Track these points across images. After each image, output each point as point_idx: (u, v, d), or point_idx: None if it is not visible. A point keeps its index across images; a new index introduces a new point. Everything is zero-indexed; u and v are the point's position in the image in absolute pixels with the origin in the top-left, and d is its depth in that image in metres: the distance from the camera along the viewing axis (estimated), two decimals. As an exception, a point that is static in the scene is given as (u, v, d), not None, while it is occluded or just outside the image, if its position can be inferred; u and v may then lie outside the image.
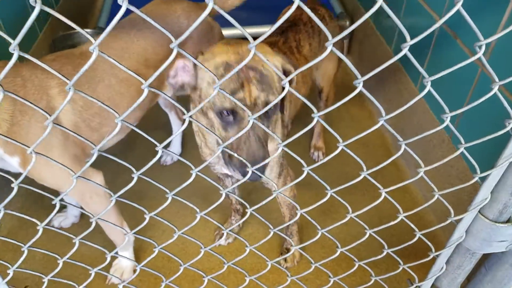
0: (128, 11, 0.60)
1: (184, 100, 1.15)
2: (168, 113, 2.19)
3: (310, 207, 1.01)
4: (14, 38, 0.53)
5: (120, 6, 0.50)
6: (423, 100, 1.89)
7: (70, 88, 0.68)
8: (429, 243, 1.08)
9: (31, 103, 0.67)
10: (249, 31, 2.95)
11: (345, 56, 2.89)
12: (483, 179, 0.89)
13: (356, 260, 1.18)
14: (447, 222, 0.98)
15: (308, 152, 2.30)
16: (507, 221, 0.95)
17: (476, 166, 0.86)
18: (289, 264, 1.73)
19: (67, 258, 1.00)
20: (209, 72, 0.81)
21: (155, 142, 0.78)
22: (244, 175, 1.04)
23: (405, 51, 0.62)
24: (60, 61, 1.36)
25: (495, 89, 0.71)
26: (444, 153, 1.72)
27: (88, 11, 3.24)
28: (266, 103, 1.01)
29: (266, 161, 0.94)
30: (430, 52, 1.80)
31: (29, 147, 0.73)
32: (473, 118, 1.53)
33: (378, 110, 2.45)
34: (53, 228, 0.94)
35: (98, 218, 0.94)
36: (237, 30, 2.84)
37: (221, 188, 0.91)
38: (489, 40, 0.62)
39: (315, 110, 0.73)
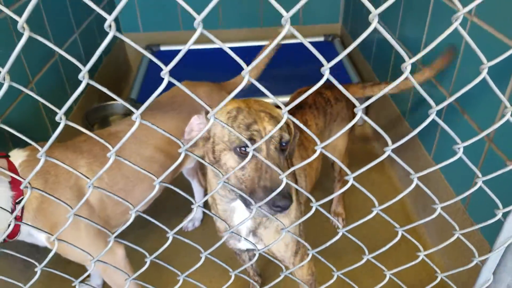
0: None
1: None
2: (191, 180, 2.28)
3: None
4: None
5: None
6: (438, 169, 1.93)
7: (90, 186, 0.78)
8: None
9: (55, 197, 0.77)
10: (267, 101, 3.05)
11: (363, 122, 2.99)
12: (484, 261, 0.91)
13: None
14: (453, 303, 1.00)
15: (328, 218, 2.32)
16: (514, 303, 0.96)
17: (474, 250, 0.88)
18: None
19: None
20: (223, 115, 0.97)
21: (167, 230, 0.86)
22: (273, 205, 0.97)
23: (388, 153, 0.69)
24: (91, 141, 1.48)
25: (479, 183, 0.76)
26: (460, 222, 1.72)
27: (122, 83, 3.48)
28: (281, 138, 1.05)
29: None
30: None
31: (53, 233, 0.81)
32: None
33: (397, 175, 2.49)
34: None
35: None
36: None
37: (230, 270, 0.96)
38: (466, 143, 0.68)
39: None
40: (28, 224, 0.86)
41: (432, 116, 0.67)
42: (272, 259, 1.00)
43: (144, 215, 0.86)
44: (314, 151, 1.71)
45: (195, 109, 1.68)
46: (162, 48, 3.58)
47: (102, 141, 0.72)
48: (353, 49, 0.54)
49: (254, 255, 1.39)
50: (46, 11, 2.25)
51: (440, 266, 1.96)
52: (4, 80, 0.56)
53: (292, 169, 0.81)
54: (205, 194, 2.31)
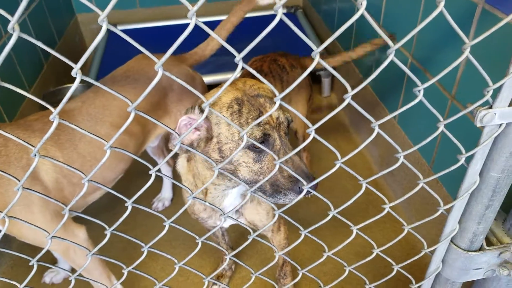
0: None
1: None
2: (157, 160, 2.22)
3: (288, 248, 1.03)
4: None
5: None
6: (402, 131, 1.94)
7: (35, 154, 0.72)
8: (408, 276, 1.09)
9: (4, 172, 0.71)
10: (227, 76, 3.00)
11: (329, 93, 2.99)
12: (449, 210, 0.91)
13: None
14: (421, 254, 1.00)
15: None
16: (480, 249, 0.97)
17: (439, 199, 0.88)
18: None
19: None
20: (223, 111, 0.95)
21: (126, 199, 0.81)
22: (299, 192, 1.01)
23: (348, 100, 0.66)
24: (43, 120, 1.40)
25: (441, 128, 0.75)
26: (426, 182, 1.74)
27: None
28: (287, 119, 1.05)
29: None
30: (404, 86, 1.86)
31: (5, 207, 0.75)
32: (450, 146, 1.58)
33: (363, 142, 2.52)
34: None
35: (80, 274, 0.96)
36: (219, 76, 2.88)
37: (197, 237, 0.93)
38: (426, 84, 0.67)
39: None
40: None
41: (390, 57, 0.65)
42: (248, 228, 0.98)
43: (99, 185, 0.81)
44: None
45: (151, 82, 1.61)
46: (120, 27, 3.44)
47: (42, 102, 0.66)
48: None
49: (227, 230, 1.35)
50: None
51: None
52: None
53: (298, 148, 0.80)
54: (175, 177, 2.26)
